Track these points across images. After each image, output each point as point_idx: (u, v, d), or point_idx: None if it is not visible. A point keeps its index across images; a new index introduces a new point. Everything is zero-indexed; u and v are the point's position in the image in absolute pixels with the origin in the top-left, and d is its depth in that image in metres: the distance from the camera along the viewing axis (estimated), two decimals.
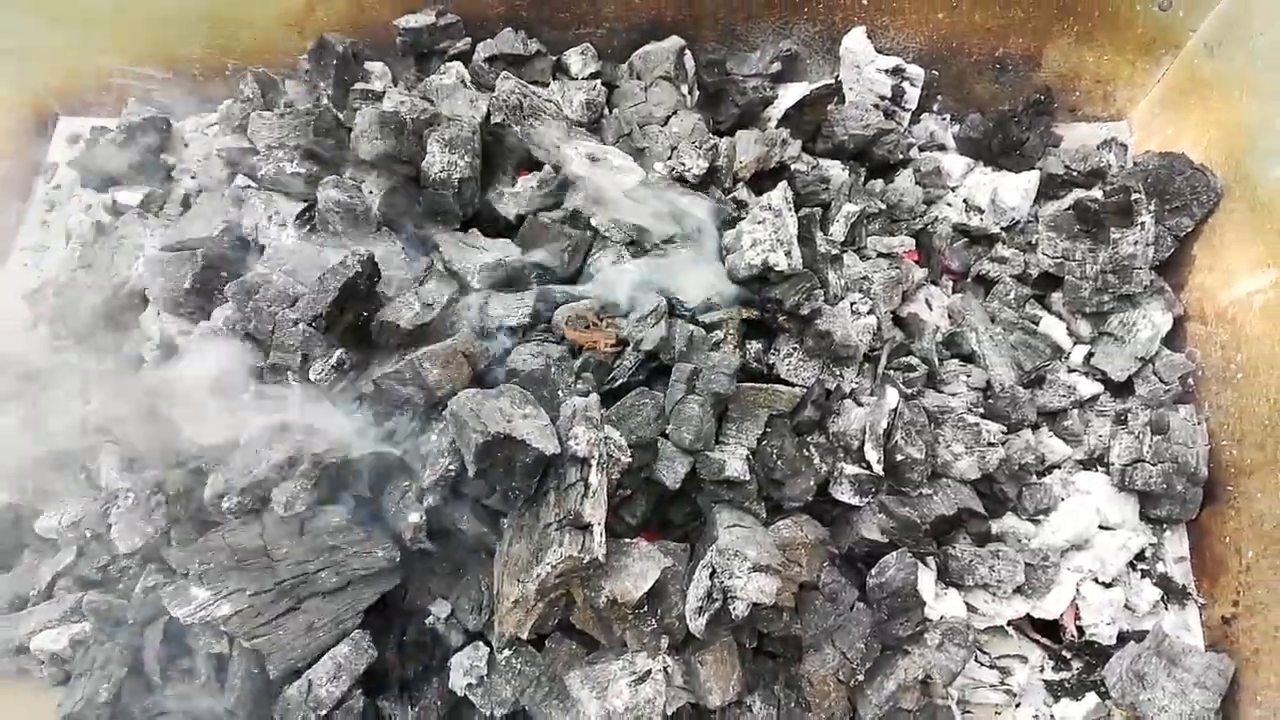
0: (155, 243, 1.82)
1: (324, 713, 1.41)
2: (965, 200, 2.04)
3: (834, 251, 1.77)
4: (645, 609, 1.43)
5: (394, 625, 1.54)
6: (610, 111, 1.95)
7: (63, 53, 2.26)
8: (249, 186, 1.82)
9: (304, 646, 1.44)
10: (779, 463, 1.57)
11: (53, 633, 1.65)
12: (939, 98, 2.21)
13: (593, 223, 1.68)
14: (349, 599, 1.47)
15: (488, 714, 1.46)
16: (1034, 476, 1.79)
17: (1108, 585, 1.75)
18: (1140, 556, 1.80)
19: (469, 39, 2.10)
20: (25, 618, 1.69)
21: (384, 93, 1.86)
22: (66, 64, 2.29)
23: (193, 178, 2.14)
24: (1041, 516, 1.77)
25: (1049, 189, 2.05)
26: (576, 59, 2.07)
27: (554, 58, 2.09)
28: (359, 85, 1.92)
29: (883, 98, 2.08)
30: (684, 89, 1.99)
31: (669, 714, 1.43)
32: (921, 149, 2.12)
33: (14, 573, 1.78)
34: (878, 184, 1.98)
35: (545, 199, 1.77)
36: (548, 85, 2.01)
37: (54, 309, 1.94)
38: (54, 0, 2.17)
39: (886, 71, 2.08)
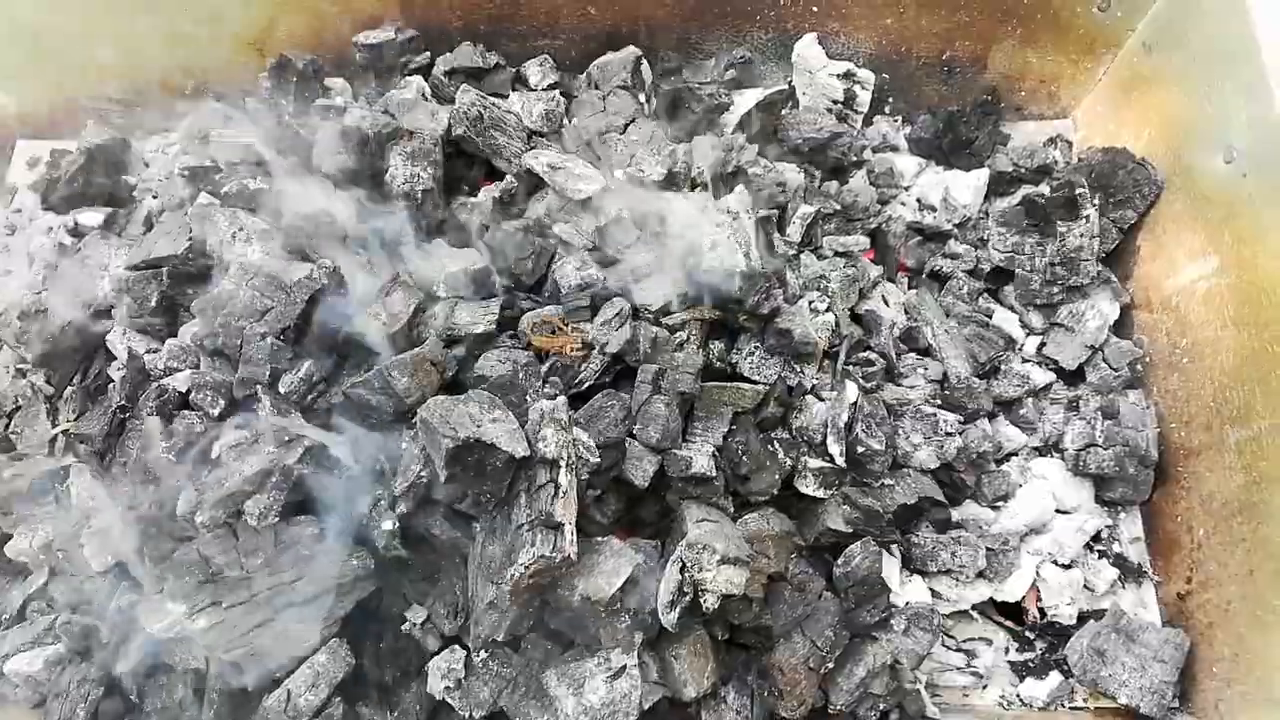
0: (120, 262, 1.82)
1: None
2: (918, 199, 2.10)
3: (791, 252, 1.82)
4: (618, 605, 1.45)
5: (370, 632, 1.56)
6: (569, 121, 1.99)
7: (20, 75, 2.26)
8: (212, 204, 1.83)
9: (281, 657, 1.45)
10: (744, 458, 1.61)
11: (27, 655, 1.64)
12: (890, 100, 2.27)
13: (555, 230, 1.71)
14: (325, 608, 1.48)
15: (467, 716, 1.47)
16: (992, 464, 1.84)
17: (1066, 567, 1.80)
18: (1096, 538, 1.86)
19: (428, 53, 2.13)
20: None
21: (345, 108, 1.88)
22: (24, 87, 2.28)
23: (154, 197, 2.14)
24: (1000, 503, 1.83)
25: (998, 186, 2.12)
26: (535, 70, 2.10)
27: (513, 70, 2.12)
28: (320, 101, 1.94)
29: (835, 101, 2.14)
30: (641, 97, 2.03)
31: (645, 708, 1.46)
32: (874, 150, 2.17)
33: None
34: (833, 185, 2.03)
35: (507, 208, 1.80)
36: (507, 97, 2.04)
37: (18, 332, 1.94)
38: (10, 24, 2.17)
39: (838, 76, 2.13)
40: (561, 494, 1.37)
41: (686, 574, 1.43)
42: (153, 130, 2.27)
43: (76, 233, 2.13)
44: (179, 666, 1.56)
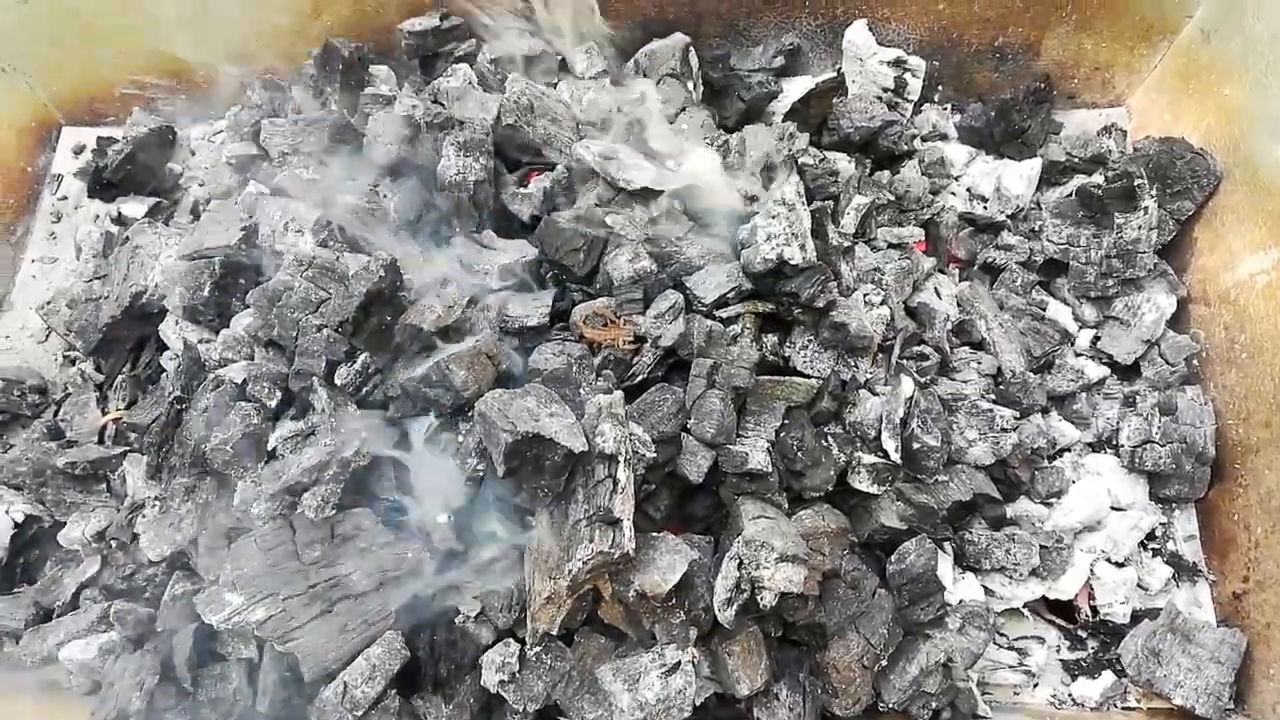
0: (171, 252, 1.82)
1: (360, 713, 1.43)
2: (969, 189, 2.07)
3: (846, 244, 1.79)
4: (673, 601, 1.45)
5: (425, 625, 1.56)
6: (619, 110, 1.96)
7: (65, 63, 2.26)
8: (263, 193, 1.83)
9: (337, 649, 1.45)
10: (799, 454, 1.59)
11: (81, 643, 1.66)
12: (940, 88, 2.23)
13: (607, 221, 1.70)
14: (380, 600, 1.48)
15: (520, 709, 1.47)
16: (1045, 460, 1.82)
17: (1120, 565, 1.78)
18: (1151, 536, 1.83)
19: (473, 41, 2.11)
20: (52, 629, 1.71)
21: (394, 97, 1.87)
22: (69, 75, 2.29)
23: (201, 186, 2.15)
24: (1054, 499, 1.80)
25: (1050, 175, 2.08)
26: (581, 58, 2.08)
27: (559, 57, 2.10)
28: (368, 90, 1.93)
29: (885, 89, 2.11)
30: (689, 85, 2.01)
31: (697, 704, 1.46)
32: (924, 139, 2.14)
33: (38, 585, 1.79)
34: (884, 175, 2.00)
35: (558, 199, 1.79)
36: (554, 85, 2.02)
37: (67, 320, 1.95)
38: (56, 11, 2.17)
39: (888, 63, 2.10)
40: (620, 489, 1.36)
41: (744, 571, 1.42)
42: (198, 118, 2.27)
43: (121, 221, 2.14)
44: (232, 657, 1.57)
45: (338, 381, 1.49)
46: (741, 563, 1.42)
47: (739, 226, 1.70)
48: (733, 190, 1.70)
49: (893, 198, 1.95)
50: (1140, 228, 1.86)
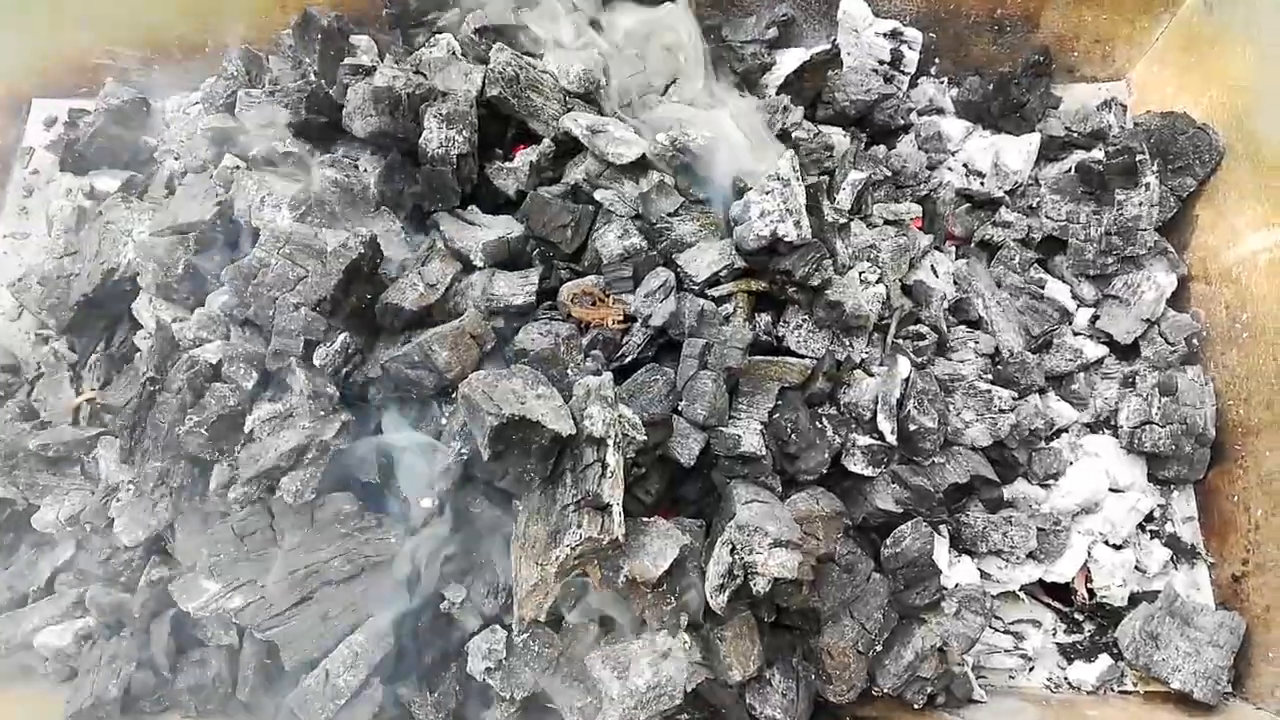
0: (144, 227, 1.76)
1: (342, 702, 1.39)
2: (966, 164, 2.02)
3: (841, 220, 1.74)
4: (664, 587, 1.41)
5: (409, 612, 1.52)
6: (607, 82, 1.90)
7: (36, 33, 2.18)
8: (238, 167, 1.77)
9: (319, 636, 1.41)
10: (793, 436, 1.55)
11: (56, 629, 1.62)
12: (937, 61, 2.18)
13: (596, 196, 1.65)
14: (362, 586, 1.44)
15: (507, 697, 1.44)
16: (1043, 441, 1.78)
17: (1118, 547, 1.76)
18: (1149, 518, 1.81)
19: (457, 10, 2.05)
20: (27, 614, 1.66)
21: (374, 67, 1.80)
22: (40, 44, 2.21)
23: (176, 159, 2.07)
24: (1051, 481, 1.77)
25: (1049, 151, 2.04)
26: (568, 29, 2.01)
27: None
28: (348, 60, 1.87)
29: (881, 62, 2.05)
30: (680, 57, 1.95)
31: (689, 690, 1.42)
32: (920, 113, 2.10)
33: (11, 569, 1.74)
34: (880, 150, 1.96)
35: (544, 173, 1.73)
36: (540, 56, 1.96)
37: (39, 298, 1.89)
38: None
39: (884, 35, 2.05)
40: (609, 474, 1.32)
41: (737, 556, 1.38)
42: (173, 89, 2.20)
43: (94, 196, 2.07)
44: (212, 644, 1.53)
45: (316, 362, 1.44)
46: (734, 548, 1.39)
47: (732, 202, 1.65)
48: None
49: (889, 173, 1.90)
50: (1141, 204, 1.82)
